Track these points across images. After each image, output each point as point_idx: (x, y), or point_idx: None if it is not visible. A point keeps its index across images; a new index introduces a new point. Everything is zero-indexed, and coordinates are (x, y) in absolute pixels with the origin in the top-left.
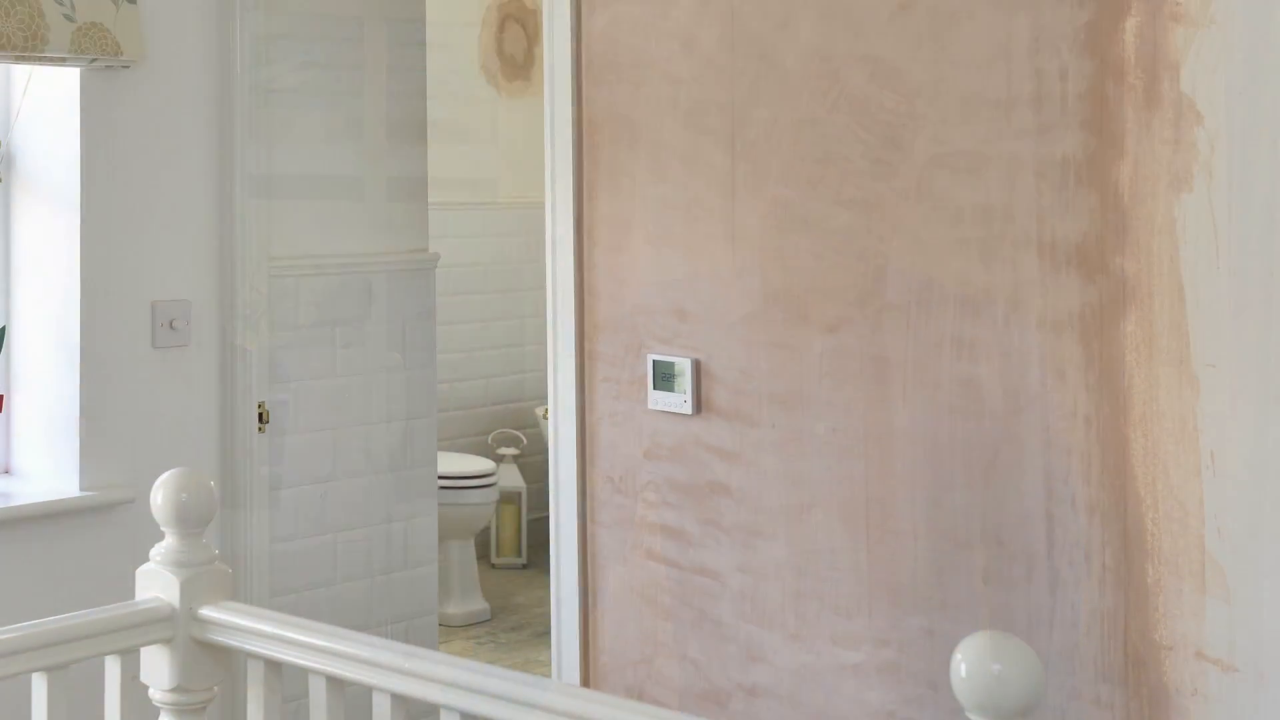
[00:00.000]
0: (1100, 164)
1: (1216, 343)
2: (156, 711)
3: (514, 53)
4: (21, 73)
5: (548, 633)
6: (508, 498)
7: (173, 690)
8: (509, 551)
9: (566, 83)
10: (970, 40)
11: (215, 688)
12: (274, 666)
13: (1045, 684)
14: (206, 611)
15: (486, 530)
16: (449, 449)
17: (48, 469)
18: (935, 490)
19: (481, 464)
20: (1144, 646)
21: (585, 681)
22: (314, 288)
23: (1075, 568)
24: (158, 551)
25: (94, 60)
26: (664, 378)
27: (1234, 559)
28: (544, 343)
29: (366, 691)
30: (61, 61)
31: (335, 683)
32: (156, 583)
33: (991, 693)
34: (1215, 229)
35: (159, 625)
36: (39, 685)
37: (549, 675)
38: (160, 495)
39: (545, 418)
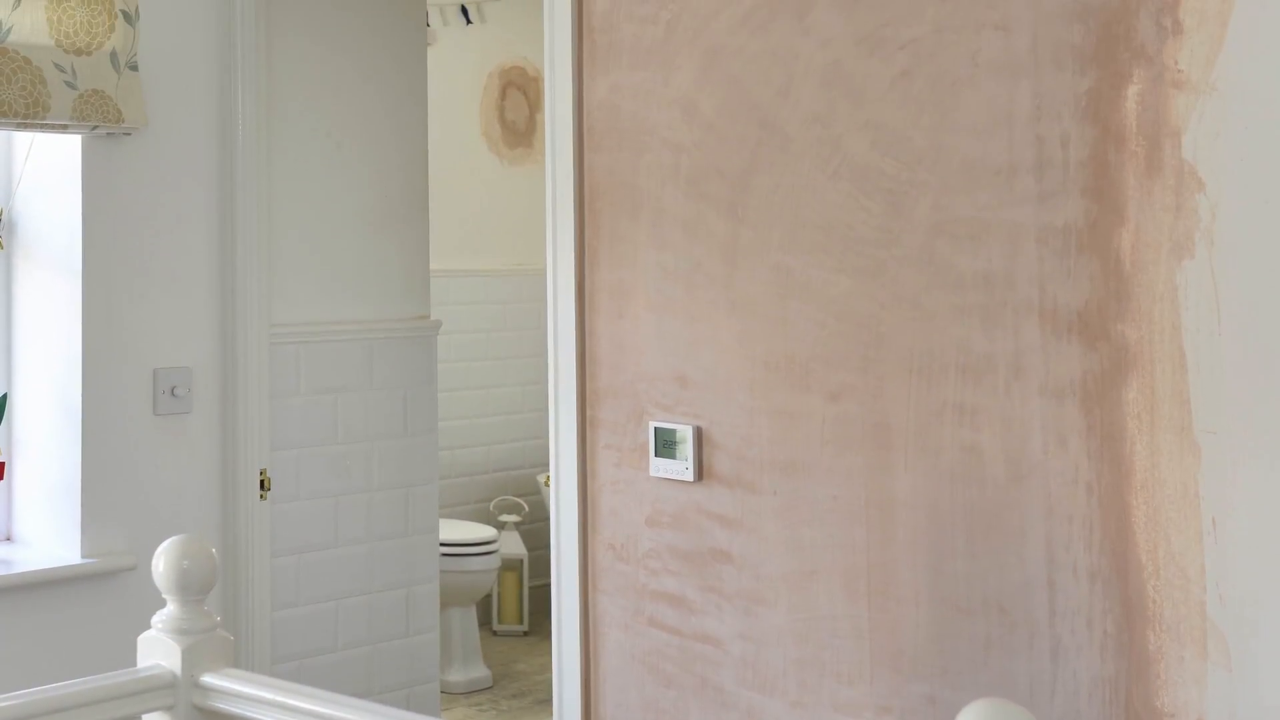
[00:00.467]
0: (1102, 231)
1: (1218, 409)
2: None
3: (515, 120)
4: (23, 140)
5: (549, 700)
6: (509, 565)
7: None
8: (510, 618)
9: (568, 150)
10: (972, 107)
11: None
12: None
13: None
14: (208, 679)
15: (488, 597)
16: (450, 516)
17: (49, 536)
18: (937, 557)
19: (483, 531)
20: (1146, 713)
21: None
22: (315, 354)
23: (1077, 635)
24: (159, 619)
25: (96, 127)
26: (666, 445)
27: (1235, 626)
28: (545, 410)
29: None
30: (63, 129)
31: None
32: (158, 650)
33: None
34: (1216, 296)
35: (160, 693)
36: None
37: None
38: (162, 562)
39: (547, 485)
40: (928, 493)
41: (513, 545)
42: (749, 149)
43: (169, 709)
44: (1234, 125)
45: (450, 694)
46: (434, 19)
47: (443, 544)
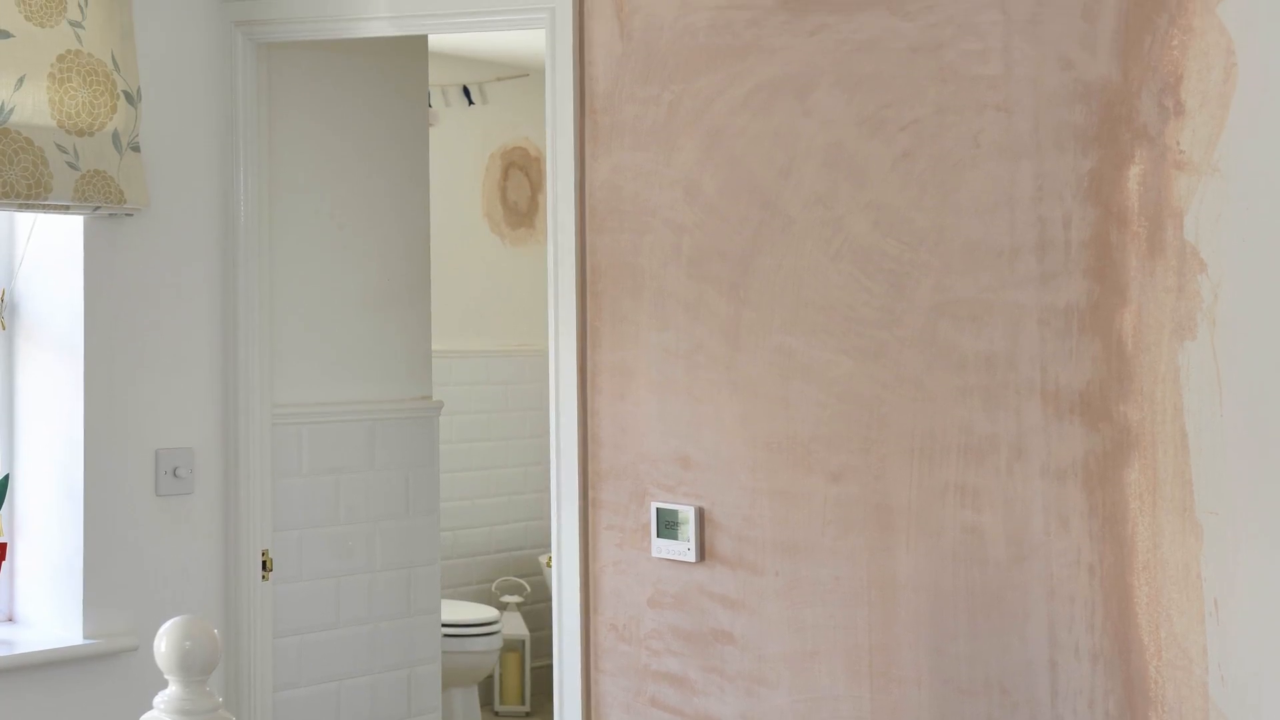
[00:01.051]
0: (1104, 311)
1: (1220, 490)
2: None
3: (517, 200)
4: (25, 220)
5: None
6: (511, 645)
7: None
8: (513, 699)
9: (570, 230)
10: (974, 188)
11: None
12: None
13: None
14: None
15: (490, 678)
16: (452, 597)
17: (51, 617)
18: (938, 638)
19: (485, 612)
20: None
21: None
22: (317, 435)
23: (1079, 716)
24: (161, 699)
25: (98, 208)
26: (668, 525)
27: (1238, 706)
28: (547, 491)
29: None
30: (65, 209)
31: None
32: None
33: None
34: (1218, 376)
35: None
36: None
37: None
38: (164, 643)
39: (549, 566)
40: (929, 574)
41: (515, 626)
42: (751, 229)
43: None
44: (1236, 206)
45: None
46: (436, 99)
47: (445, 625)
